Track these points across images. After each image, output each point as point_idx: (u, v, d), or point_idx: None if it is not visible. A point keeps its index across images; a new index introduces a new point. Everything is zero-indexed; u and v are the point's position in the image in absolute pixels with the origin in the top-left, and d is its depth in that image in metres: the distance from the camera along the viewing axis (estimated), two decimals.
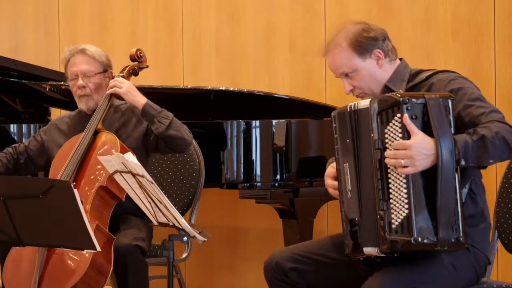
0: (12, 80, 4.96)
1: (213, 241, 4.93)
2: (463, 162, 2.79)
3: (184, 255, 4.16)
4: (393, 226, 2.82)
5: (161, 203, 3.14)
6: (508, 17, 4.59)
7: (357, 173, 2.95)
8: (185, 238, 3.22)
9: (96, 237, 3.45)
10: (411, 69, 3.17)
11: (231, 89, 4.94)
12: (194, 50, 5.57)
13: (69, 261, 3.55)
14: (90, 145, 3.86)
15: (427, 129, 2.79)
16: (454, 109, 2.84)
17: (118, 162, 3.16)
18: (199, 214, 4.38)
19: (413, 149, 2.76)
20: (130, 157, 3.10)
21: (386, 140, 2.83)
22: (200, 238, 3.18)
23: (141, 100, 3.90)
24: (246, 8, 5.39)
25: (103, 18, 5.90)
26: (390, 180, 2.83)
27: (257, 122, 4.42)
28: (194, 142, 4.30)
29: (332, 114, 3.05)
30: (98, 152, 3.80)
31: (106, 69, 4.02)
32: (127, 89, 3.91)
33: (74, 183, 3.72)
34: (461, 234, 2.80)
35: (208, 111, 4.87)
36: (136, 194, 3.23)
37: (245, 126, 4.42)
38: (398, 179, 2.81)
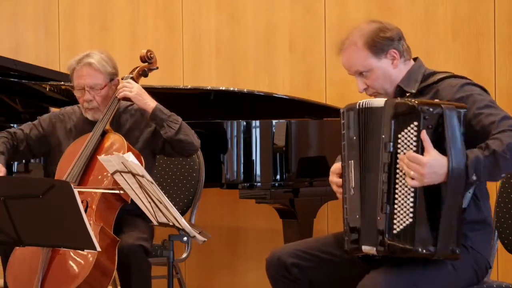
0: (12, 80, 4.96)
1: (213, 241, 4.93)
2: (474, 178, 2.79)
3: (184, 255, 4.16)
4: (395, 231, 2.82)
5: (161, 203, 3.14)
6: (508, 17, 4.59)
7: (361, 171, 2.95)
8: (185, 238, 3.22)
9: (101, 239, 3.46)
10: (426, 69, 3.15)
11: (231, 89, 4.93)
12: (194, 50, 5.57)
13: (73, 262, 3.55)
14: (97, 146, 3.86)
15: (439, 140, 2.78)
16: (464, 119, 2.84)
17: (118, 162, 3.16)
18: (199, 214, 4.38)
19: (426, 168, 2.75)
20: (130, 157, 3.10)
21: (399, 146, 2.82)
22: (200, 238, 3.18)
23: (151, 103, 3.89)
24: (246, 8, 5.39)
25: (103, 18, 5.90)
26: (397, 186, 2.83)
27: (257, 122, 4.42)
28: None
29: (341, 110, 3.04)
30: (105, 154, 3.79)
31: (112, 78, 3.99)
32: (137, 93, 3.90)
33: (75, 182, 3.74)
34: (456, 246, 2.82)
35: (208, 111, 4.87)
36: (136, 194, 3.23)
37: (245, 126, 4.42)
38: (406, 186, 2.81)
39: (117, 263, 3.59)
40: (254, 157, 4.41)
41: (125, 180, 3.21)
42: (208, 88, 4.95)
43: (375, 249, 2.89)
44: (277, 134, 4.44)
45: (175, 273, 4.25)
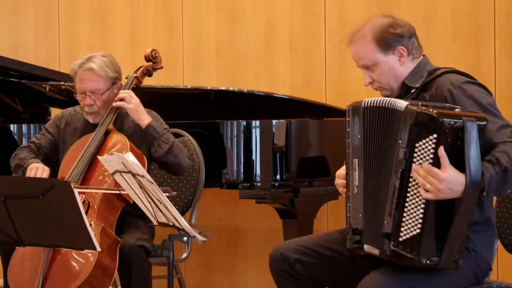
0: (12, 80, 4.96)
1: (213, 241, 4.93)
2: (484, 193, 2.80)
3: (184, 255, 4.16)
4: (401, 239, 2.81)
5: (161, 203, 3.14)
6: (508, 17, 4.59)
7: (365, 170, 2.94)
8: (185, 238, 3.22)
9: (102, 239, 3.46)
10: (431, 65, 3.15)
11: (231, 89, 4.93)
12: (194, 50, 5.57)
13: (74, 262, 3.56)
14: (100, 145, 3.86)
15: (456, 153, 2.75)
16: (484, 131, 2.80)
17: (118, 162, 3.16)
18: (199, 214, 4.38)
19: (443, 184, 2.73)
20: (130, 157, 3.10)
21: (415, 155, 2.78)
22: (200, 238, 3.17)
23: (145, 120, 3.90)
24: (246, 8, 5.39)
25: (103, 18, 5.89)
26: (408, 194, 2.81)
27: (257, 122, 4.41)
28: (194, 142, 4.31)
29: (347, 107, 3.03)
30: (108, 153, 3.79)
31: (114, 82, 3.99)
32: (134, 107, 3.90)
33: (77, 182, 3.74)
34: (459, 255, 2.82)
35: (208, 111, 4.87)
36: (136, 194, 3.23)
37: (245, 126, 4.42)
38: (418, 197, 2.79)
39: (118, 263, 3.59)
40: (254, 157, 4.40)
41: (125, 180, 3.21)
42: (208, 88, 4.95)
43: (378, 251, 2.89)
44: (277, 134, 4.44)
45: (175, 273, 4.25)
